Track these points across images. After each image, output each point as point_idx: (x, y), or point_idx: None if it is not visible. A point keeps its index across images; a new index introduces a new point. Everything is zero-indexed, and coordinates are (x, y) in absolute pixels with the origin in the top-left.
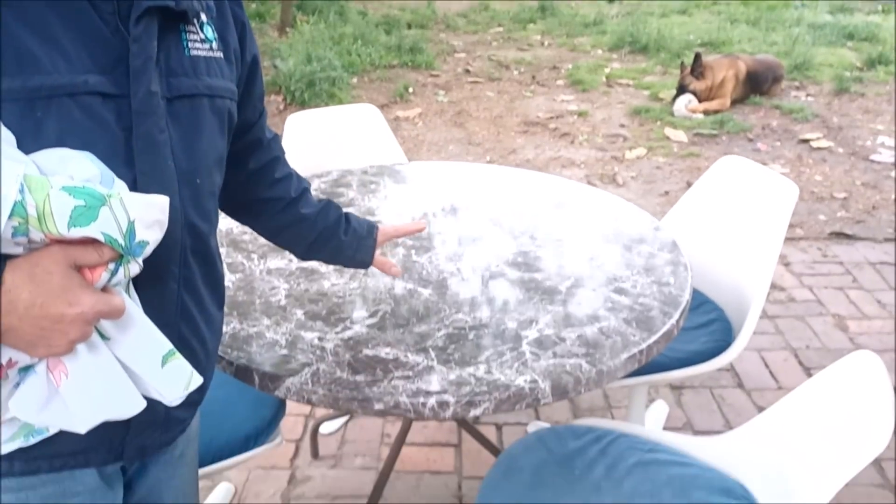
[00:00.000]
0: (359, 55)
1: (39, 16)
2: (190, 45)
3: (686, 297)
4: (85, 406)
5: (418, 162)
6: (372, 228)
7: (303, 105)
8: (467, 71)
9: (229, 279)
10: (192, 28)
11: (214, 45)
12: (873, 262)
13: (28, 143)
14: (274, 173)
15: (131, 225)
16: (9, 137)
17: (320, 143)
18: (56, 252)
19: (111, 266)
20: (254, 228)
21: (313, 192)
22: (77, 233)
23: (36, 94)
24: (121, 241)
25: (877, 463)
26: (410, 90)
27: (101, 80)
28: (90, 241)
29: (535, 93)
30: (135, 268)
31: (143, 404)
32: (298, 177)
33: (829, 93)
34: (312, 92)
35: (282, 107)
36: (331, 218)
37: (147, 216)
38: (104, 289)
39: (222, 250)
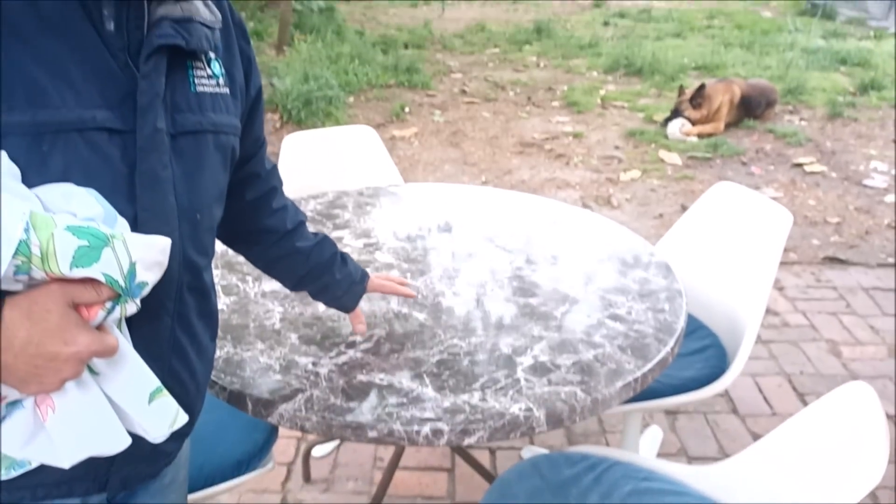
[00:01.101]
0: (356, 74)
1: (52, 51)
2: (196, 81)
3: (681, 324)
4: (70, 441)
5: (414, 183)
6: (364, 276)
7: (299, 124)
8: (463, 91)
9: (223, 302)
10: (199, 64)
11: (221, 80)
12: (866, 287)
13: (32, 177)
14: (271, 204)
15: (133, 266)
16: (14, 171)
17: (317, 164)
18: (55, 290)
19: (108, 304)
20: (247, 258)
21: (308, 214)
22: (78, 273)
23: (44, 128)
24: (121, 282)
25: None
26: (407, 110)
27: (109, 115)
28: (89, 280)
29: (531, 114)
30: (132, 307)
31: (128, 441)
32: (295, 208)
33: (823, 117)
34: (309, 111)
35: (278, 125)
36: (325, 254)
37: (148, 257)
38: (99, 326)
39: (216, 272)
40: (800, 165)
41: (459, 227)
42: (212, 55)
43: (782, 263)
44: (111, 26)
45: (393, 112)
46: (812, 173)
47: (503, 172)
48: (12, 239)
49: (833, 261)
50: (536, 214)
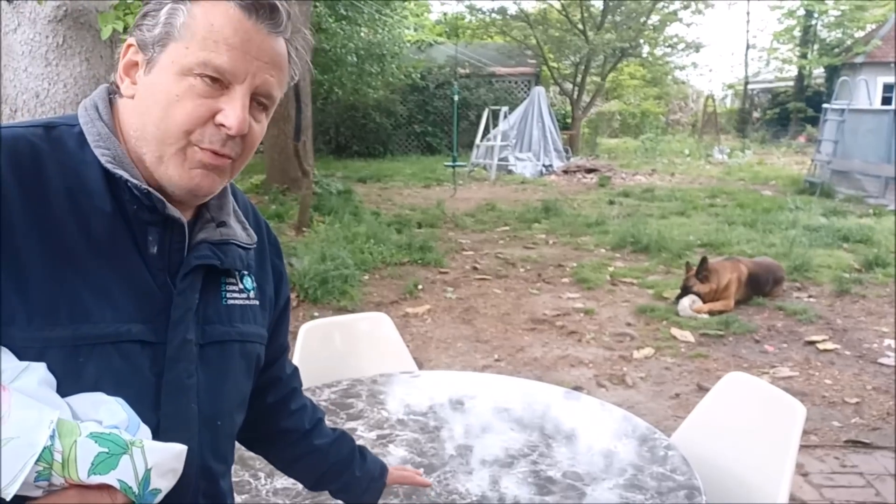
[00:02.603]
0: (371, 253)
1: (97, 272)
2: (228, 294)
3: None
4: None
5: (427, 371)
6: (384, 471)
7: (315, 302)
8: (475, 268)
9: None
10: (231, 280)
11: (252, 294)
12: (895, 473)
13: (67, 386)
14: (289, 406)
15: (147, 473)
16: (50, 380)
17: (332, 351)
18: (72, 496)
19: None
20: (267, 458)
21: (323, 404)
22: (96, 480)
23: (82, 341)
24: (135, 489)
25: None
26: (420, 287)
27: (143, 328)
28: (105, 486)
29: (542, 290)
30: None
31: None
32: (314, 406)
33: (831, 294)
34: (325, 289)
35: (294, 304)
36: (344, 451)
37: (164, 464)
38: None
39: None
40: (813, 343)
41: (472, 407)
42: (244, 272)
43: (804, 446)
44: (154, 250)
45: (406, 289)
46: (826, 351)
47: (515, 350)
48: (37, 444)
49: (856, 444)
50: (551, 417)
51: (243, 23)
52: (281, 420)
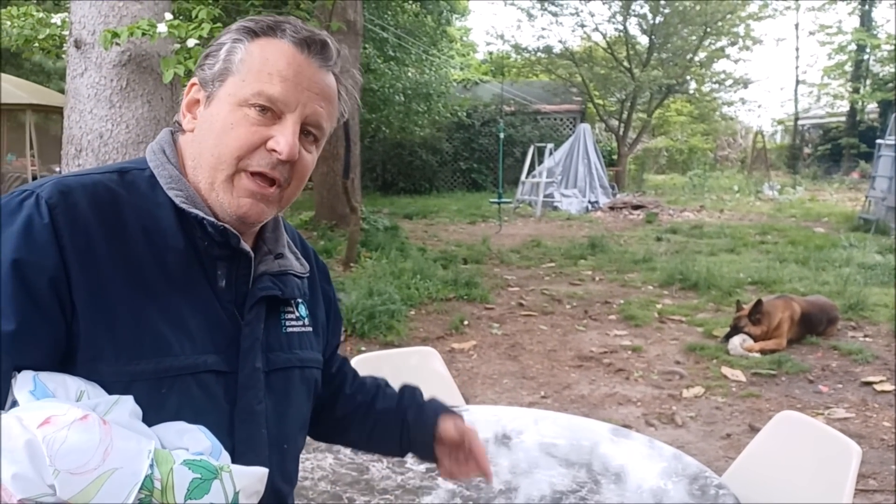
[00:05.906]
0: (417, 289)
1: (175, 306)
2: (287, 322)
3: None
4: None
5: (474, 406)
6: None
7: (362, 336)
8: (521, 304)
9: None
10: (289, 309)
11: (307, 321)
12: None
13: (151, 417)
14: (344, 390)
15: (236, 496)
16: (137, 412)
17: None
18: None
19: None
20: (347, 444)
21: None
22: None
23: (165, 374)
24: None
25: None
26: (465, 322)
27: (217, 359)
28: None
29: (588, 327)
30: None
31: None
32: (373, 380)
33: (888, 334)
34: (372, 324)
35: (342, 338)
36: (416, 395)
37: (249, 487)
38: None
39: None
40: (869, 384)
41: (519, 443)
42: (300, 300)
43: (862, 490)
44: (223, 283)
45: (452, 325)
46: (883, 392)
47: (562, 387)
48: (139, 474)
49: None
50: (597, 436)
51: (296, 56)
52: (340, 407)
